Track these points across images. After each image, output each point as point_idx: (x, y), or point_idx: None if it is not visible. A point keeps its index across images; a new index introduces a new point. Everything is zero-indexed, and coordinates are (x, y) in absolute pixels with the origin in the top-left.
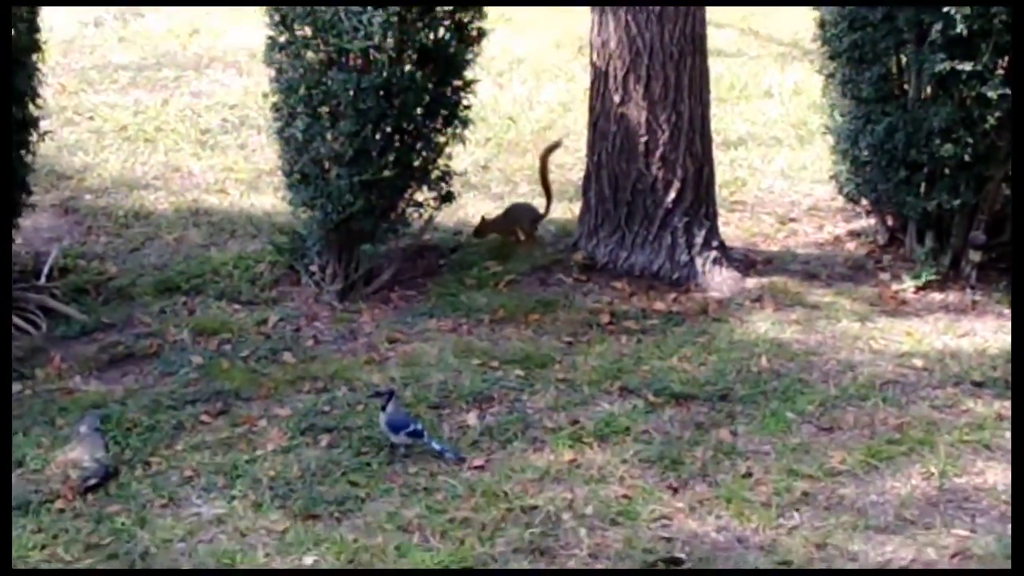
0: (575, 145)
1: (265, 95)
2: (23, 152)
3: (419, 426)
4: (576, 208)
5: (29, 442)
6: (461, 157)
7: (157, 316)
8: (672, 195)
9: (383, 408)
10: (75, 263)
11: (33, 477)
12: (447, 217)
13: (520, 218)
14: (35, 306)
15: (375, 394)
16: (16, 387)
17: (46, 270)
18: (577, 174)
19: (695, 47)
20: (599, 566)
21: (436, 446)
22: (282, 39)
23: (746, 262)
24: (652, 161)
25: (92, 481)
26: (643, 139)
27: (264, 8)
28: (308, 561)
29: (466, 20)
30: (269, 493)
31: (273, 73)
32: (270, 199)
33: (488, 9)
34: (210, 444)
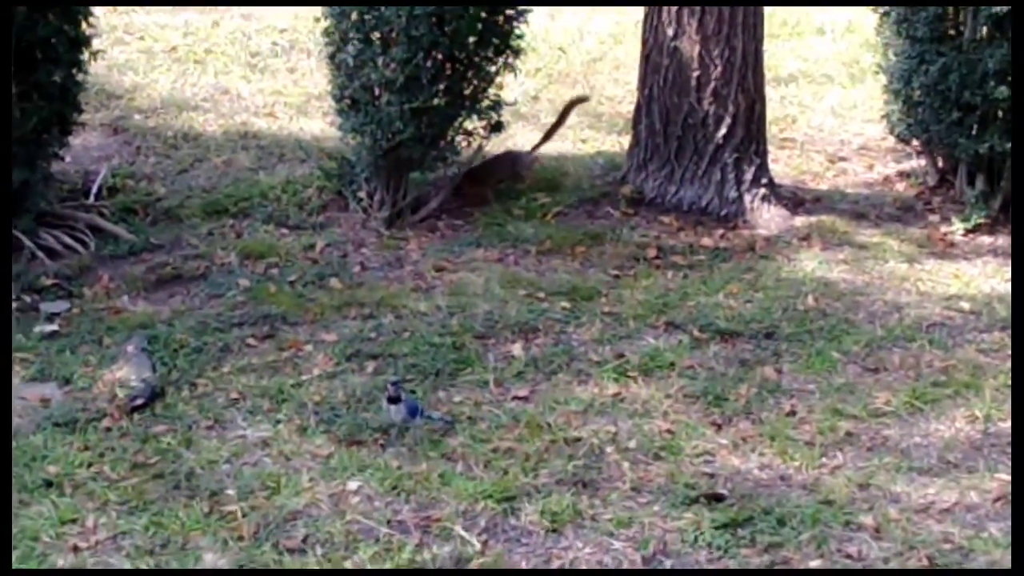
0: (625, 78)
1: (317, 19)
2: (74, 70)
3: (421, 404)
4: (625, 141)
5: (77, 360)
6: (511, 87)
7: (205, 238)
8: (723, 131)
9: (396, 400)
10: (124, 183)
11: (80, 395)
12: (496, 147)
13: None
14: (84, 225)
15: (395, 389)
16: (64, 305)
17: (95, 189)
18: (627, 107)
19: None
20: (641, 500)
21: (435, 416)
22: None
23: (794, 200)
24: (704, 96)
25: (139, 401)
26: (695, 73)
27: None
28: (352, 486)
29: None
30: (314, 418)
31: None
32: (319, 124)
33: None
34: (256, 367)
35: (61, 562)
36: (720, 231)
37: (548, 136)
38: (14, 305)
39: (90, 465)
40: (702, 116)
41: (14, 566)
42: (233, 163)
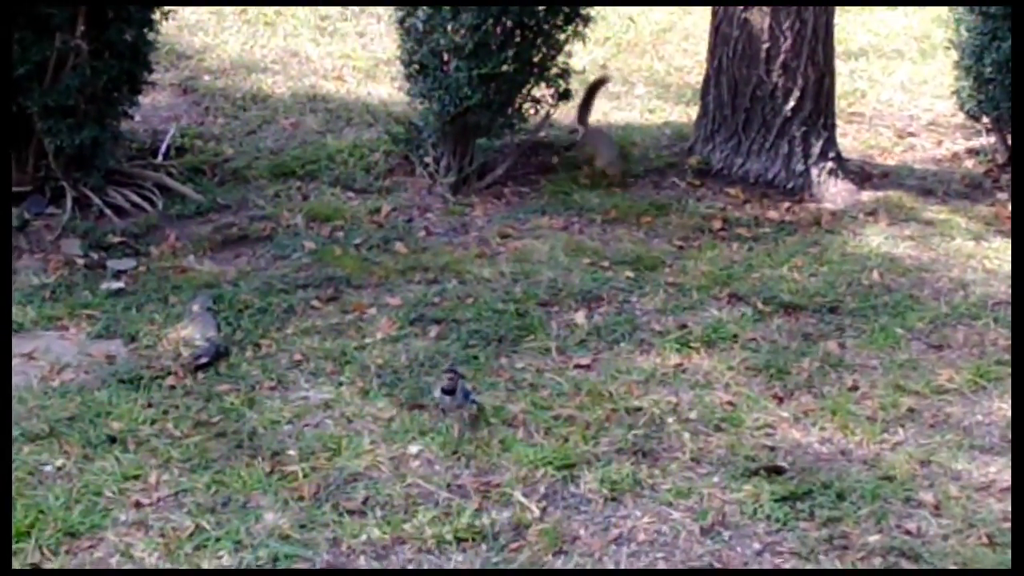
0: (694, 48)
1: None
2: (145, 30)
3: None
4: (693, 112)
5: (142, 318)
6: (580, 55)
7: (271, 200)
8: (791, 103)
9: (451, 392)
10: (192, 143)
11: (145, 353)
12: (563, 115)
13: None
14: (152, 184)
15: (451, 381)
16: (131, 263)
17: (163, 148)
18: (695, 77)
19: None
20: (701, 470)
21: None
22: None
23: (862, 175)
24: (773, 68)
25: (203, 359)
26: (765, 45)
27: None
28: (413, 450)
29: None
30: (376, 381)
31: None
32: (387, 88)
33: None
34: (320, 329)
35: (123, 517)
36: (786, 204)
37: (582, 118)
38: (81, 262)
39: (154, 422)
40: (771, 88)
41: (77, 520)
42: (301, 125)
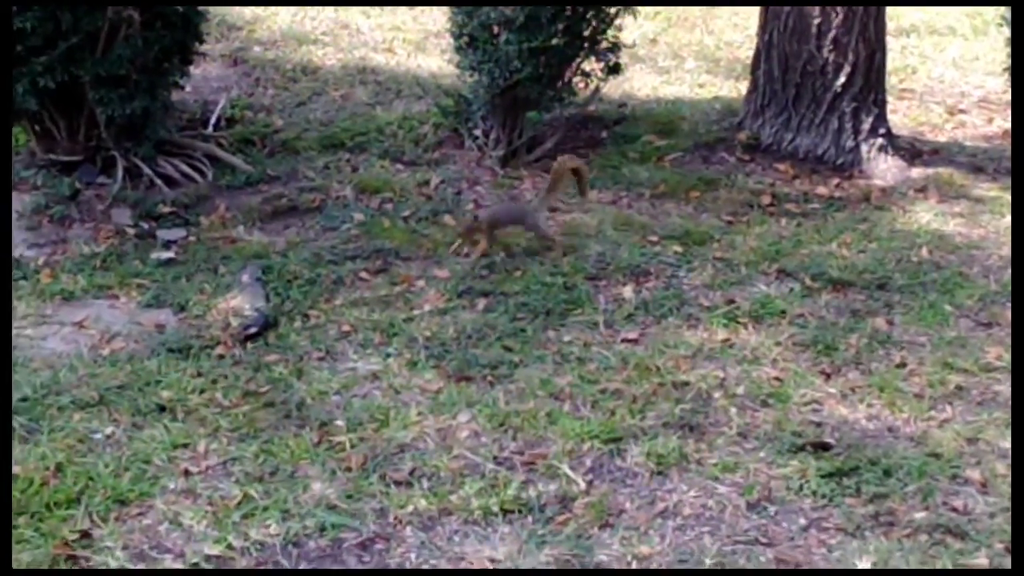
0: (745, 23)
1: None
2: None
3: None
4: (743, 87)
5: (192, 288)
6: (630, 29)
7: (321, 171)
8: (842, 79)
9: None
10: (242, 114)
11: (195, 322)
12: (613, 89)
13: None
14: (202, 154)
15: None
16: (181, 233)
17: (213, 119)
18: (745, 52)
19: None
20: (748, 445)
21: None
22: None
23: (912, 151)
24: (824, 43)
25: (252, 330)
26: (816, 20)
27: None
28: (460, 421)
29: None
30: (424, 352)
31: None
32: (437, 61)
33: None
34: (368, 301)
35: (172, 485)
36: (835, 180)
37: (548, 198)
38: (132, 231)
39: (202, 391)
40: (821, 64)
41: (126, 488)
42: (351, 97)
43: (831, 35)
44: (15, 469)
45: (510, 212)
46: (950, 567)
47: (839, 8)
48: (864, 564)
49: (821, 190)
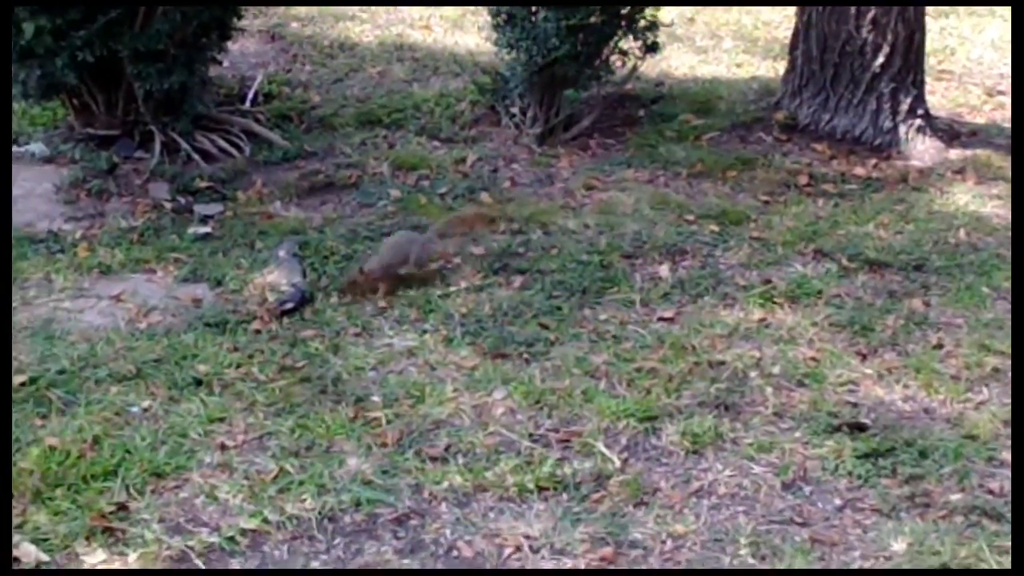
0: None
1: None
2: None
3: None
4: (780, 67)
5: (228, 263)
6: (668, 8)
7: (358, 147)
8: (880, 59)
9: None
10: (279, 90)
11: (231, 297)
12: (650, 67)
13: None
14: (239, 129)
15: None
16: (218, 208)
17: (251, 95)
18: (783, 32)
19: None
20: (783, 425)
21: None
22: None
23: (950, 132)
24: (863, 23)
25: (288, 305)
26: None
27: None
28: (495, 398)
29: None
30: (460, 329)
31: None
32: (474, 38)
33: None
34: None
35: (208, 458)
36: (873, 161)
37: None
38: (169, 206)
39: (239, 366)
40: (860, 44)
41: (162, 461)
42: (387, 74)
43: (870, 15)
44: (53, 441)
45: (398, 253)
46: (985, 548)
47: None
48: (899, 545)
49: (858, 171)
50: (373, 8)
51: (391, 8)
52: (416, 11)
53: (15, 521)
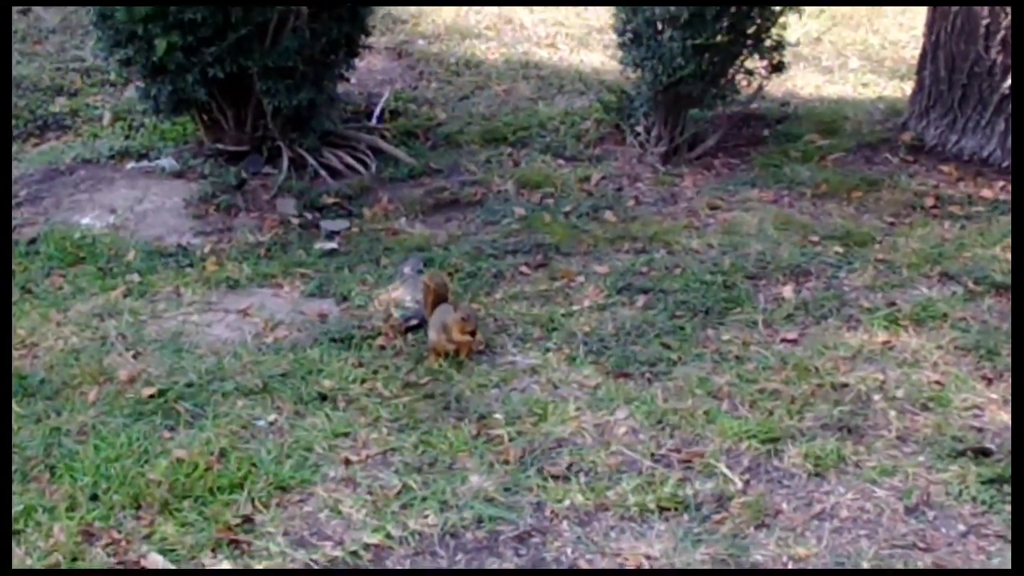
0: (911, 22)
1: None
2: None
3: None
4: (907, 87)
5: (354, 278)
6: (794, 27)
7: (483, 165)
8: (1009, 80)
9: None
10: (405, 107)
11: (357, 313)
12: (776, 87)
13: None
14: (366, 146)
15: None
16: (344, 224)
17: (377, 112)
18: (911, 52)
19: None
20: (907, 449)
21: None
22: None
23: None
24: (992, 44)
25: (413, 322)
26: (984, 21)
27: None
28: (618, 418)
29: None
30: (583, 348)
31: None
32: (599, 57)
33: None
34: (528, 295)
35: (332, 473)
36: (1001, 183)
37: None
38: (296, 221)
39: (363, 381)
40: (989, 65)
41: (287, 475)
42: (513, 92)
43: (1000, 36)
44: (180, 453)
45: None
46: None
47: (1008, 8)
48: None
49: (986, 193)
50: (499, 26)
51: (517, 26)
52: (541, 29)
53: (143, 532)
